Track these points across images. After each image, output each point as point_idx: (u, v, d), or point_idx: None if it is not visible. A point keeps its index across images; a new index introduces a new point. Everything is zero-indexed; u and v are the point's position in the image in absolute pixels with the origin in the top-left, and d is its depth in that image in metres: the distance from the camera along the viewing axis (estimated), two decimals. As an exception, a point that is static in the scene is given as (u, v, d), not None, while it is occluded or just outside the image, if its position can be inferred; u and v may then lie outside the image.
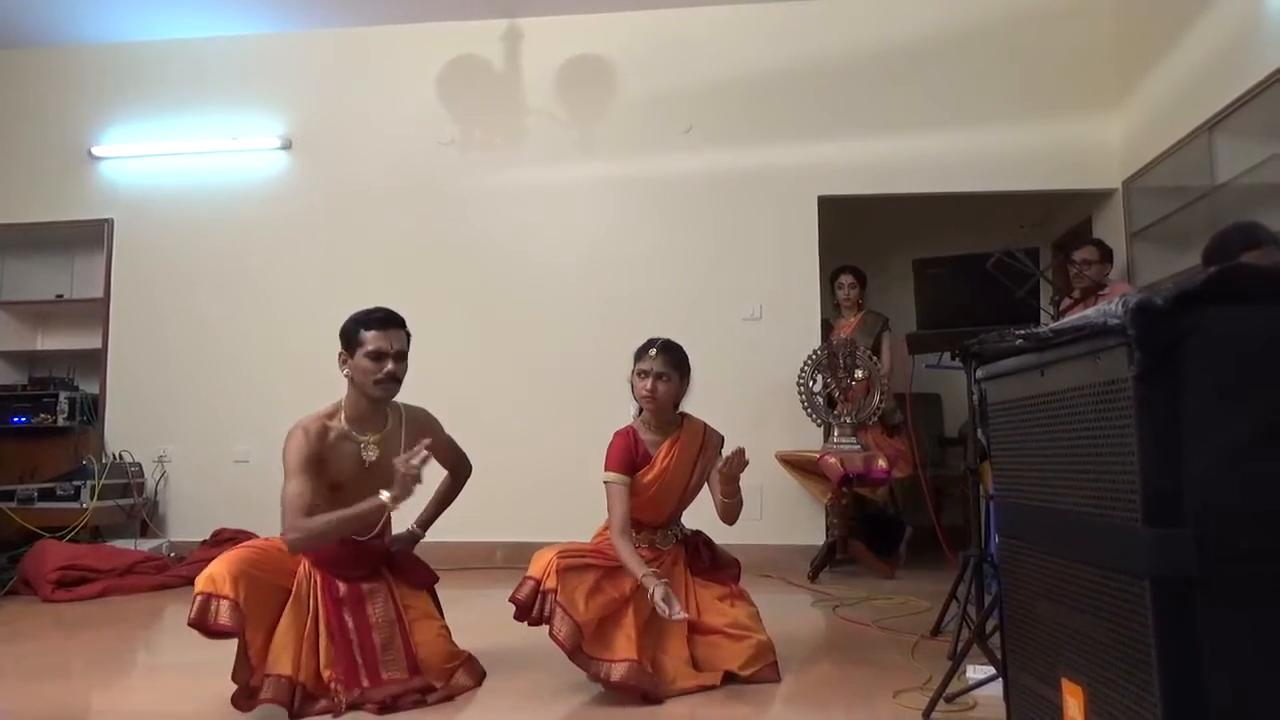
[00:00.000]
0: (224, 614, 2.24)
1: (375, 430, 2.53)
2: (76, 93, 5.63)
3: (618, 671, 2.38)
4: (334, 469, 2.47)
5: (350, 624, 2.42)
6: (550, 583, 2.42)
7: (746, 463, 2.59)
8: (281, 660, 2.31)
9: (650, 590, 2.41)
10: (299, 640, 2.36)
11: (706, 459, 2.74)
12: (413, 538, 2.77)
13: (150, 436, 5.30)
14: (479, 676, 2.58)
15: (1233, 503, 1.13)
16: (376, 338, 2.46)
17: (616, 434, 2.72)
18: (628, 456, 2.67)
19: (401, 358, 2.50)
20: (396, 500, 2.34)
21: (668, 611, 2.38)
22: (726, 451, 2.68)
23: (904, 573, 4.49)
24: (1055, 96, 4.92)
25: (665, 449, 2.70)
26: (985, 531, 2.95)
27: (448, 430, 2.79)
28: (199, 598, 2.24)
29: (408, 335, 2.56)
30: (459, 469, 2.86)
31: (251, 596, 2.28)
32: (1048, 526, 1.47)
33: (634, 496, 2.67)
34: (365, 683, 2.36)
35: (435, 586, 2.71)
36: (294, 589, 2.42)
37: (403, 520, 2.71)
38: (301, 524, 2.30)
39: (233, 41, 5.51)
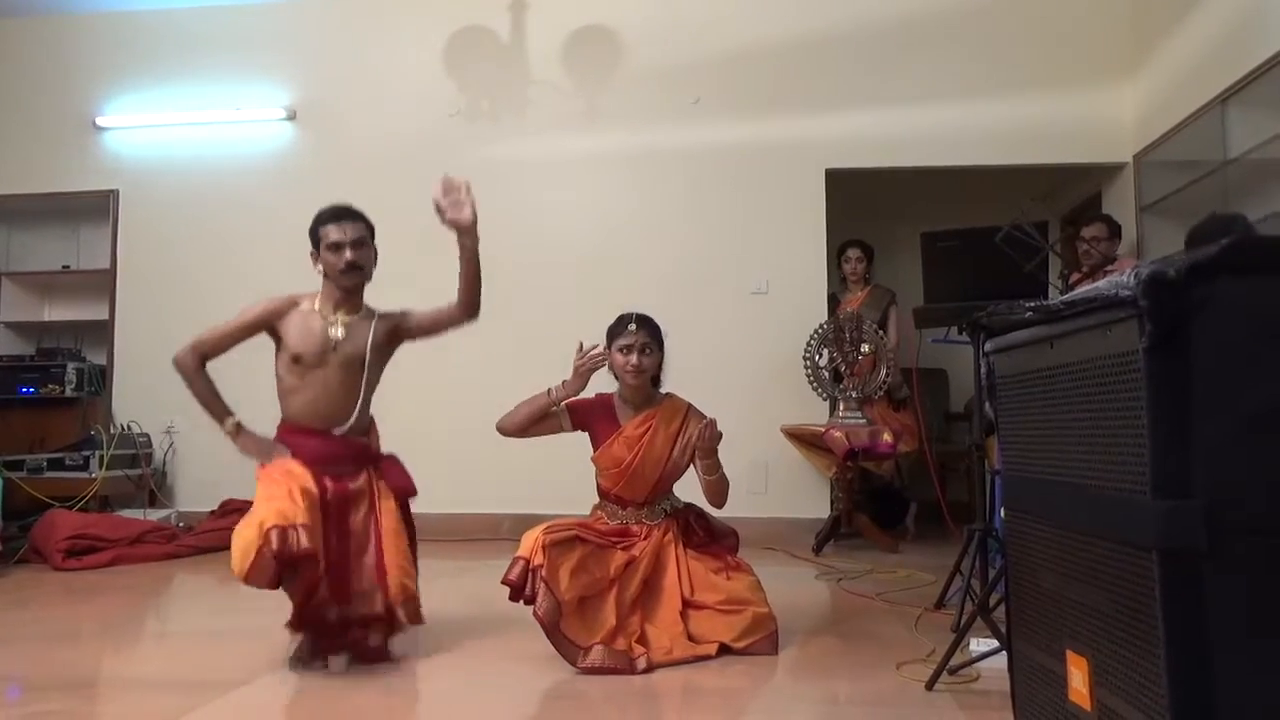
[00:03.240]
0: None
1: (347, 313, 2.64)
2: (81, 62, 5.60)
3: (588, 657, 2.38)
4: (295, 340, 2.59)
5: (333, 538, 2.43)
6: (538, 559, 2.43)
7: (719, 435, 2.59)
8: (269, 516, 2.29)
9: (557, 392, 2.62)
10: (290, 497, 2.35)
11: (687, 438, 2.71)
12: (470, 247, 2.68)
13: (158, 407, 5.31)
14: (416, 617, 2.50)
15: (1242, 475, 1.13)
16: (333, 230, 2.61)
17: (598, 393, 2.76)
18: (587, 406, 2.74)
19: (360, 245, 2.62)
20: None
21: (587, 359, 2.59)
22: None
23: (908, 546, 4.50)
24: (1066, 69, 4.86)
25: (639, 421, 2.70)
26: (990, 505, 2.95)
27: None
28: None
29: (367, 225, 2.69)
30: (456, 315, 2.71)
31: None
32: (1054, 499, 1.46)
33: (610, 472, 2.70)
34: (349, 591, 2.42)
35: (410, 502, 2.67)
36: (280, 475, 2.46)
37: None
38: (190, 358, 2.67)
39: (238, 11, 5.47)
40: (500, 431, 2.74)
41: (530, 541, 2.48)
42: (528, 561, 2.45)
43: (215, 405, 2.67)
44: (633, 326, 2.68)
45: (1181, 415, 1.13)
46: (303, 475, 2.46)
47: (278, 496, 2.34)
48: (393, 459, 2.72)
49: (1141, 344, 1.15)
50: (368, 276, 2.67)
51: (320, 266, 2.66)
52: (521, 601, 2.46)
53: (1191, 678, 1.11)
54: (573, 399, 2.71)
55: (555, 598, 2.40)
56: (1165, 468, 1.13)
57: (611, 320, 2.77)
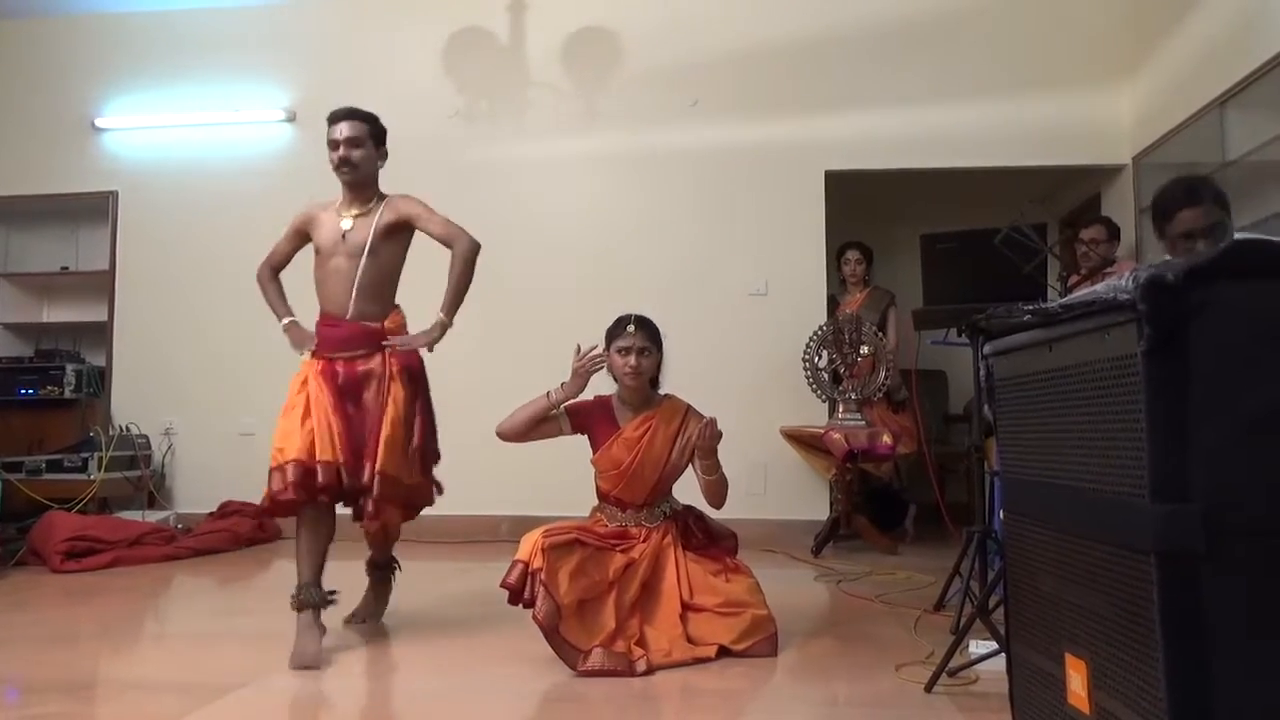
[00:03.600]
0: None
1: (360, 208, 2.88)
2: (80, 64, 5.61)
3: (588, 660, 2.38)
4: (318, 235, 2.93)
5: (350, 410, 2.73)
6: (537, 562, 2.43)
7: (719, 434, 2.59)
8: (289, 450, 2.63)
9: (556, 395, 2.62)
10: (307, 431, 2.66)
11: (686, 439, 2.71)
12: (441, 325, 2.85)
13: (156, 409, 5.32)
14: (387, 494, 2.69)
15: (1240, 478, 1.13)
16: (331, 130, 2.85)
17: (596, 395, 2.76)
18: (586, 408, 2.73)
19: (354, 144, 2.82)
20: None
21: (585, 360, 2.59)
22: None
23: (907, 548, 4.50)
24: (1066, 72, 4.87)
25: (638, 422, 2.70)
26: (989, 508, 2.95)
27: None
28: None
29: (367, 123, 2.86)
30: (456, 241, 2.89)
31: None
32: (1053, 502, 1.47)
33: (609, 474, 2.70)
34: (364, 464, 2.65)
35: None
36: (301, 391, 2.76)
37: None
38: (263, 269, 3.12)
39: (237, 12, 5.47)
40: (500, 436, 2.74)
41: (529, 544, 2.48)
42: (527, 564, 2.45)
43: (280, 306, 3.02)
44: (631, 328, 2.68)
45: (1180, 418, 1.13)
46: (315, 397, 2.72)
47: (292, 433, 2.67)
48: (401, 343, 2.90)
49: (1140, 347, 1.15)
50: (362, 174, 2.85)
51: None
52: (521, 605, 2.46)
53: (1190, 680, 1.11)
54: (572, 401, 2.70)
55: (554, 601, 2.39)
56: (1163, 471, 1.14)
57: (610, 322, 2.77)
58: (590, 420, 2.75)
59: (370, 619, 3.01)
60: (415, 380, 2.85)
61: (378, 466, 2.63)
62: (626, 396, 2.74)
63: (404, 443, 2.74)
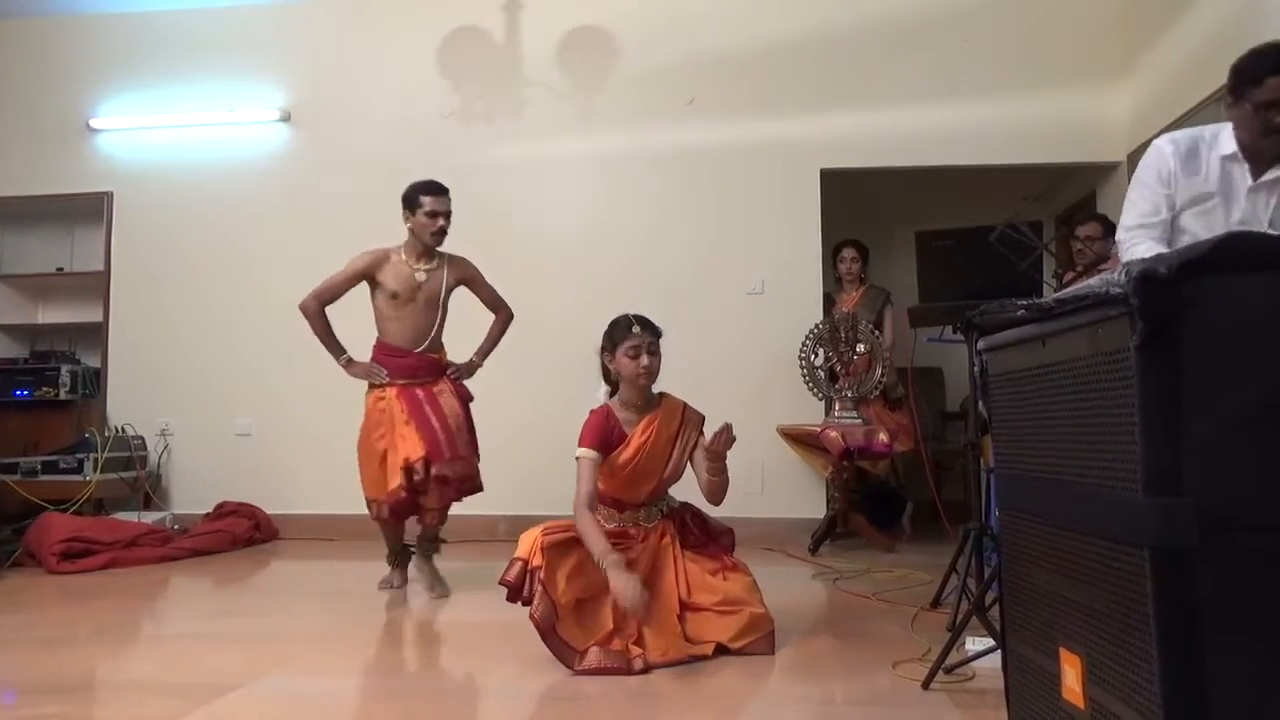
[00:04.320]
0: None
1: (428, 262, 3.52)
2: (74, 64, 5.59)
3: (585, 660, 2.38)
4: (392, 282, 3.47)
5: (432, 416, 3.40)
6: (536, 560, 2.42)
7: (734, 439, 2.54)
8: (380, 495, 3.45)
9: (603, 567, 2.40)
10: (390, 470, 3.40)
11: (686, 437, 2.71)
12: (471, 366, 3.68)
13: (152, 409, 5.31)
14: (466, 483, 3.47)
15: (1233, 473, 1.13)
16: (432, 202, 3.44)
17: (592, 412, 2.70)
18: (603, 434, 2.64)
19: (447, 216, 3.49)
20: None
21: (618, 591, 2.37)
22: (707, 427, 2.67)
23: (904, 546, 4.50)
24: (1061, 69, 4.87)
25: (642, 427, 2.67)
26: (986, 505, 2.95)
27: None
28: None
29: (450, 200, 3.49)
30: (499, 309, 3.75)
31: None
32: (1048, 497, 1.47)
33: (612, 477, 2.66)
34: (447, 455, 3.34)
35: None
36: (381, 423, 3.46)
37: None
38: (314, 304, 3.49)
39: (232, 12, 5.46)
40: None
41: (529, 542, 2.47)
42: (526, 562, 2.44)
43: (332, 343, 3.53)
44: (637, 329, 2.64)
45: (1172, 412, 1.13)
46: (398, 420, 3.43)
47: (379, 481, 3.45)
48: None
49: (1132, 341, 1.15)
50: (444, 240, 3.52)
51: (409, 224, 3.47)
52: (519, 602, 2.46)
53: (1184, 674, 1.11)
54: (591, 439, 2.63)
55: (551, 601, 2.39)
56: (1157, 465, 1.14)
57: (604, 324, 2.75)
58: (610, 439, 2.67)
59: (439, 586, 3.49)
60: (464, 397, 3.61)
61: (460, 451, 3.41)
62: (630, 399, 2.70)
63: (470, 436, 3.53)
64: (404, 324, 3.49)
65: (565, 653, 2.39)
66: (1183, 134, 2.40)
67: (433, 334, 3.54)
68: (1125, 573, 1.20)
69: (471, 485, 3.50)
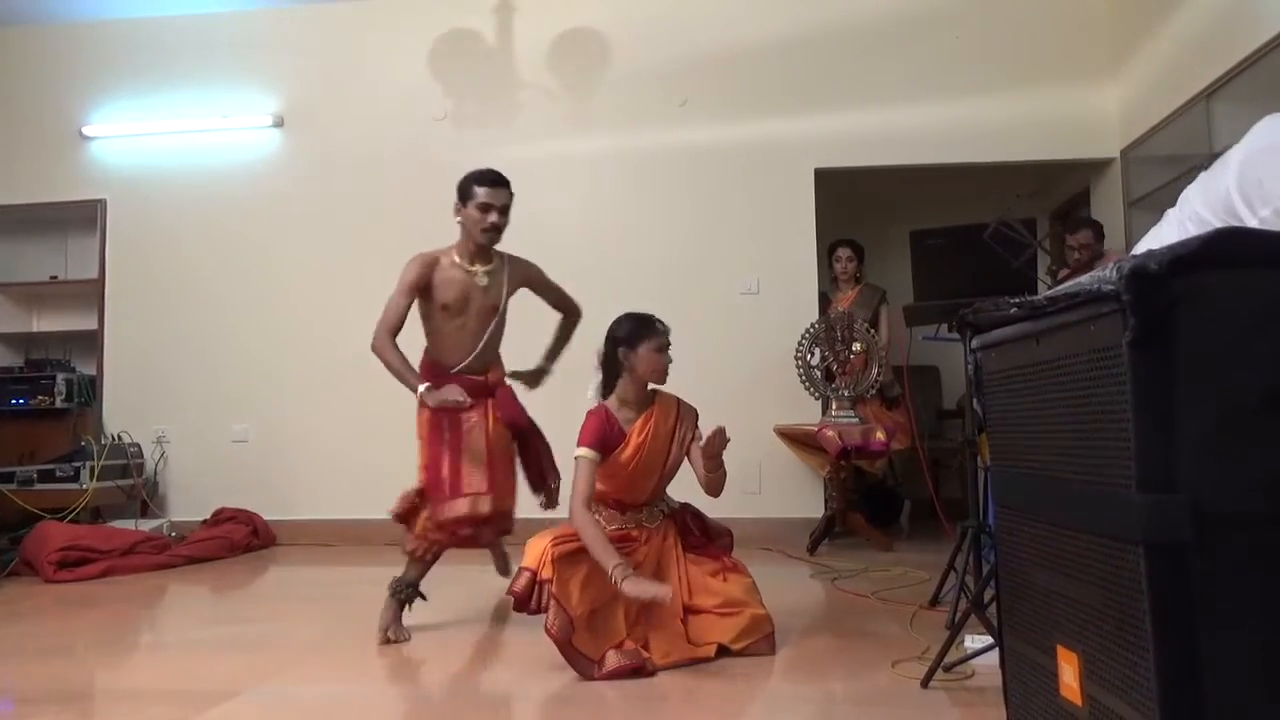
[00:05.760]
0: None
1: (485, 264, 2.99)
2: (66, 71, 5.58)
3: (604, 665, 2.38)
4: (443, 292, 2.93)
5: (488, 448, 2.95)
6: (546, 572, 2.41)
7: (727, 440, 2.57)
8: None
9: (616, 581, 2.39)
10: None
11: (683, 433, 2.72)
12: (539, 371, 3.28)
13: (148, 417, 5.30)
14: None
15: (1227, 468, 1.12)
16: (486, 194, 2.91)
17: (590, 413, 2.69)
18: (602, 434, 2.63)
19: (504, 211, 2.94)
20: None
21: (641, 595, 2.37)
22: (703, 426, 2.68)
23: (902, 544, 4.51)
24: (1053, 66, 4.88)
25: (640, 425, 2.67)
26: (983, 502, 2.96)
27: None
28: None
29: (511, 195, 2.98)
30: (569, 310, 3.29)
31: None
32: (1043, 495, 1.46)
33: (614, 477, 2.65)
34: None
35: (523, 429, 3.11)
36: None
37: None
38: (386, 339, 2.85)
39: (224, 18, 5.45)
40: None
41: (537, 552, 2.46)
42: (534, 573, 2.43)
43: (408, 376, 2.89)
44: (661, 325, 2.68)
45: (1166, 409, 1.13)
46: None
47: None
48: (508, 391, 3.11)
49: (1125, 338, 1.14)
50: (500, 238, 3.00)
51: (460, 218, 2.96)
52: (526, 613, 2.45)
53: (1180, 671, 1.11)
54: (591, 438, 2.62)
55: (567, 614, 2.39)
56: (1150, 461, 1.13)
57: (601, 323, 2.75)
58: (609, 438, 2.66)
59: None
60: (519, 432, 3.12)
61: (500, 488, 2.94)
62: (631, 397, 2.70)
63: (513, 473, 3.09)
64: (456, 337, 2.99)
65: (583, 663, 2.39)
66: None
67: (483, 349, 3.02)
68: (1121, 569, 1.20)
69: (508, 524, 3.08)
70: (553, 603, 2.38)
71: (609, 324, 2.74)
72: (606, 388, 2.73)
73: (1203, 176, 1.82)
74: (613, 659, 2.39)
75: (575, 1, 5.19)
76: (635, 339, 2.66)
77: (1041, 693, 1.50)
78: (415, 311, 2.97)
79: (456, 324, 2.96)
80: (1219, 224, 1.96)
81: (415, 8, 5.32)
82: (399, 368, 2.87)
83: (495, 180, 2.95)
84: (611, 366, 2.70)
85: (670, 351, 2.70)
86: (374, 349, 2.89)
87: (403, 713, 2.31)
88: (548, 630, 2.38)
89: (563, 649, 2.39)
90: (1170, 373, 1.13)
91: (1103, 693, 1.27)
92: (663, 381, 2.70)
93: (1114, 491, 1.20)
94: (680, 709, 2.23)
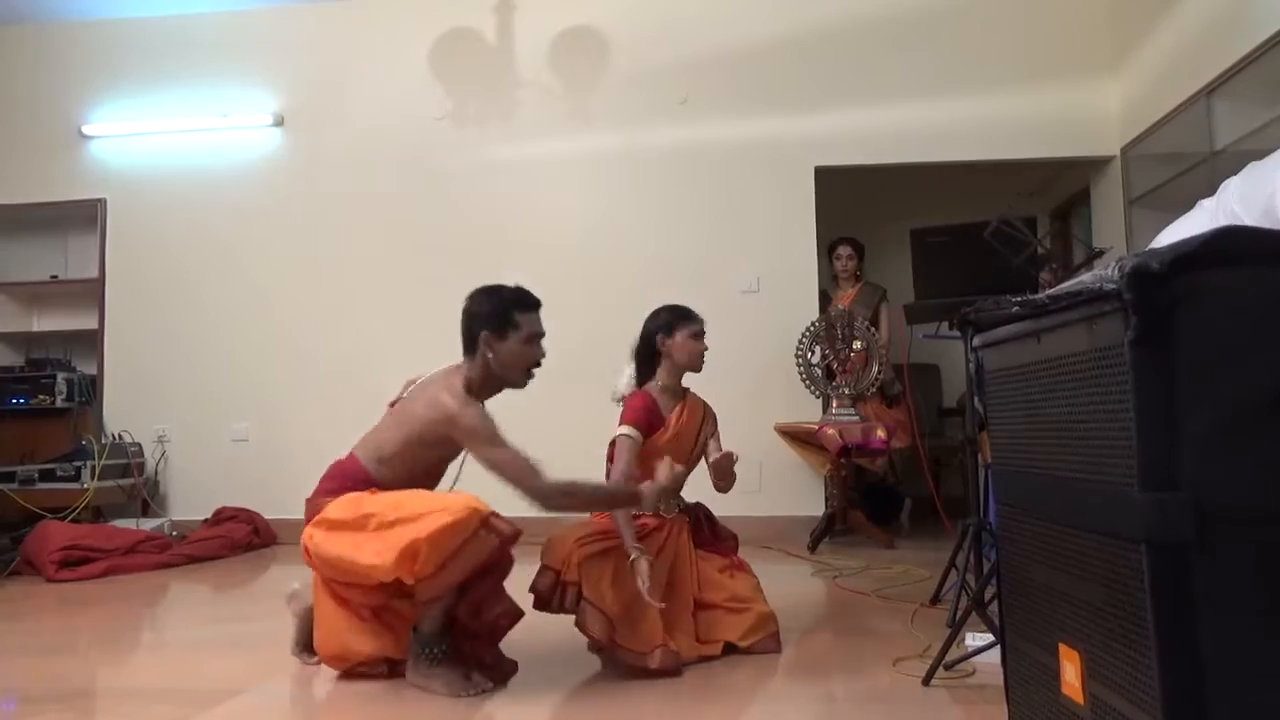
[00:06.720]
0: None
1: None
2: (66, 71, 5.58)
3: (654, 660, 2.38)
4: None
5: None
6: (572, 575, 2.40)
7: (735, 458, 2.70)
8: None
9: (635, 562, 2.42)
10: None
11: (706, 431, 2.80)
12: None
13: (149, 416, 5.31)
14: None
15: (1229, 467, 1.12)
16: (535, 321, 2.33)
17: (634, 395, 2.71)
18: (646, 415, 2.66)
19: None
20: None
21: (640, 580, 2.40)
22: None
23: (903, 542, 4.51)
24: (1053, 63, 4.88)
25: (678, 412, 2.73)
26: (984, 500, 2.96)
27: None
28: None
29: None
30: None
31: None
32: (1045, 493, 1.47)
33: (645, 460, 2.65)
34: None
35: None
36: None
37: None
38: (549, 488, 2.24)
39: (224, 17, 5.45)
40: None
41: (562, 553, 2.44)
42: (559, 574, 2.42)
43: (618, 496, 2.45)
44: (696, 315, 2.74)
45: (1168, 407, 1.13)
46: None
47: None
48: None
49: (1126, 337, 1.14)
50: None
51: (491, 352, 2.33)
52: (547, 611, 2.44)
53: (1182, 669, 1.11)
54: (635, 418, 2.62)
55: (605, 616, 2.37)
56: (1152, 460, 1.13)
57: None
58: (652, 421, 2.68)
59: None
60: None
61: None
62: (671, 384, 2.75)
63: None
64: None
65: (632, 657, 2.38)
66: None
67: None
68: (1122, 568, 1.20)
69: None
70: (588, 607, 2.37)
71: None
72: (642, 377, 2.76)
73: (1249, 169, 1.74)
74: (660, 657, 2.38)
75: (574, 0, 5.19)
76: (672, 326, 2.72)
77: (1043, 691, 1.50)
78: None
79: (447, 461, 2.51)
80: (1253, 225, 1.87)
81: (415, 7, 5.31)
82: (594, 494, 2.46)
83: (537, 302, 2.43)
84: (648, 355, 2.74)
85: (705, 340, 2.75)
86: (552, 506, 2.32)
87: (406, 710, 2.31)
88: (587, 633, 2.37)
89: (609, 649, 2.38)
90: (1172, 371, 1.13)
91: (1105, 691, 1.27)
92: (699, 368, 2.74)
93: (1116, 490, 1.20)
94: (679, 706, 2.23)
